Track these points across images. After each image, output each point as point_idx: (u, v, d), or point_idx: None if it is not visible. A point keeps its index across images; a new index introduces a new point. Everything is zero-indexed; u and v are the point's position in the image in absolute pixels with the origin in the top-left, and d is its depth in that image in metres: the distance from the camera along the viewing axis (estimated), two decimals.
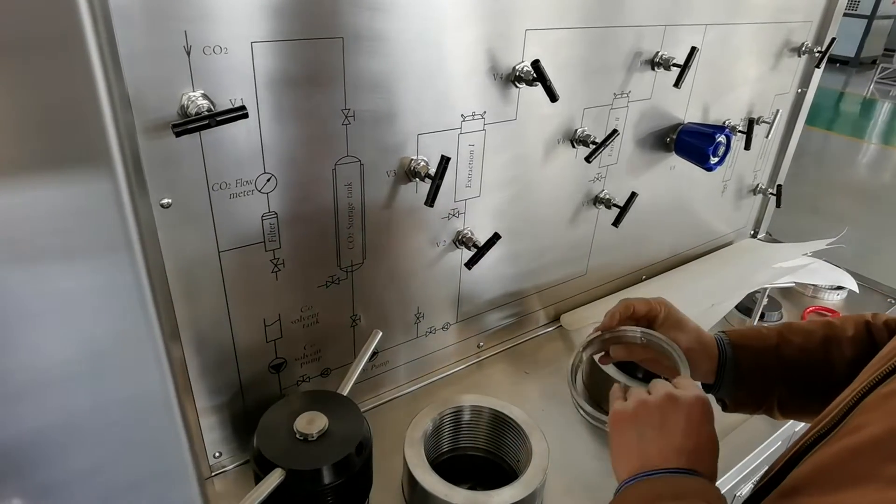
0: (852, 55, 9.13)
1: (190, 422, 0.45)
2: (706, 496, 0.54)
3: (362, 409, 0.80)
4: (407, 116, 0.80)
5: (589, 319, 1.23)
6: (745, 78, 1.31)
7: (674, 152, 1.22)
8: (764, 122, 1.42)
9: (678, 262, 1.46)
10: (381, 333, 0.88)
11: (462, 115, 0.86)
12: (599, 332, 0.83)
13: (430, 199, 0.81)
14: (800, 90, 1.49)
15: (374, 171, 0.80)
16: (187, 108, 0.61)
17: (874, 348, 0.72)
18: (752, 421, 1.02)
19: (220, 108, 0.63)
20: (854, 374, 0.72)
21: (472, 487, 0.79)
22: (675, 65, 1.07)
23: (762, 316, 1.20)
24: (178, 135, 0.59)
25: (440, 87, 0.81)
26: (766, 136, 1.46)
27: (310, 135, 0.73)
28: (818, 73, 1.47)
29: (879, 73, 8.55)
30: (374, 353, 0.90)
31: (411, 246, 0.91)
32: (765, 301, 1.23)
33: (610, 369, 1.00)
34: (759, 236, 1.69)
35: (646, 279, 1.39)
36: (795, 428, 1.04)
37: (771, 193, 1.58)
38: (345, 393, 0.82)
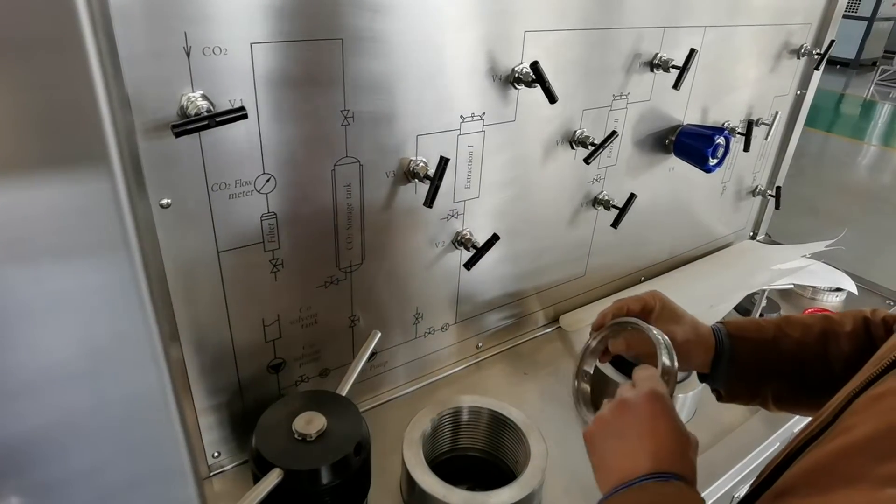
0: (852, 57, 9.13)
1: (188, 421, 0.45)
2: (678, 501, 0.54)
3: (361, 410, 0.81)
4: (406, 117, 0.80)
5: (588, 321, 1.22)
6: (745, 80, 1.32)
7: (673, 154, 1.22)
8: (763, 123, 1.42)
9: (677, 264, 1.46)
10: (379, 334, 0.88)
11: (461, 117, 0.86)
12: (589, 342, 0.83)
13: (430, 200, 0.82)
14: (799, 92, 1.49)
15: (373, 171, 0.80)
16: (187, 108, 0.62)
17: (871, 344, 0.73)
18: (751, 422, 1.02)
19: (219, 109, 0.63)
20: (850, 369, 0.72)
21: (471, 488, 0.79)
22: (674, 66, 1.07)
23: (761, 316, 1.21)
24: (177, 135, 0.60)
25: (439, 89, 0.81)
26: (766, 138, 1.46)
27: (309, 135, 0.73)
28: (817, 74, 1.47)
29: (879, 75, 8.55)
30: (373, 354, 0.90)
31: (410, 246, 0.91)
32: (763, 303, 1.23)
33: (608, 369, 1.00)
34: (758, 238, 1.69)
35: (644, 280, 1.39)
36: (795, 429, 1.04)
37: (770, 195, 1.58)
38: (343, 393, 0.82)
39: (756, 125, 1.37)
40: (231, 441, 0.85)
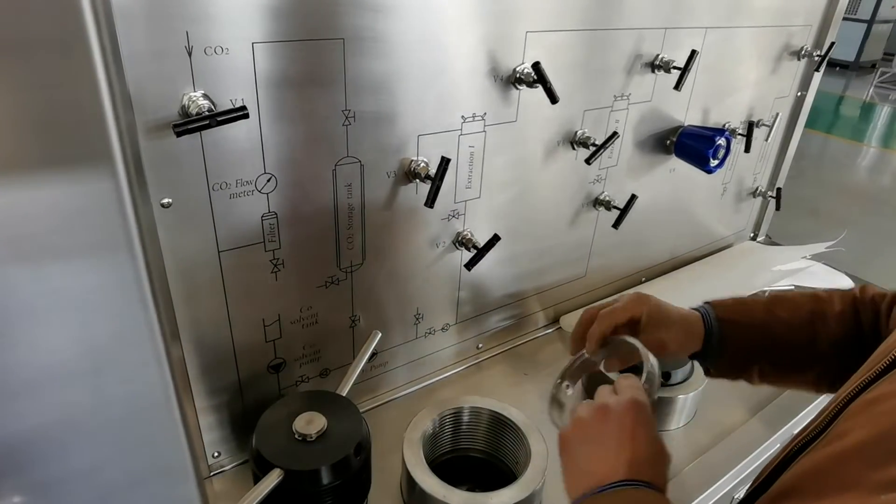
0: (852, 59, 9.14)
1: (189, 421, 0.45)
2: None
3: (361, 410, 0.80)
4: (407, 117, 0.80)
5: None
6: (745, 81, 1.32)
7: (674, 155, 1.22)
8: (764, 125, 1.42)
9: (678, 265, 1.46)
10: (380, 334, 0.88)
11: (462, 117, 0.86)
12: (578, 359, 0.83)
13: (430, 200, 0.82)
14: (799, 93, 1.49)
15: (374, 171, 0.80)
16: (188, 108, 0.62)
17: (859, 326, 0.74)
18: (751, 423, 1.02)
19: (220, 109, 0.63)
20: (838, 349, 0.74)
21: (471, 489, 0.79)
22: (675, 67, 1.07)
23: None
24: (178, 135, 0.60)
25: (441, 89, 0.81)
26: (766, 139, 1.46)
27: (310, 135, 0.73)
28: (818, 76, 1.47)
29: (879, 77, 8.56)
30: (374, 354, 0.90)
31: (411, 247, 0.91)
32: None
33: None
34: (758, 239, 1.69)
35: (645, 281, 1.39)
36: (794, 430, 1.04)
37: (770, 196, 1.58)
38: (344, 393, 0.82)
39: (757, 126, 1.37)
40: (231, 441, 0.85)
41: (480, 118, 0.88)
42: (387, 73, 0.75)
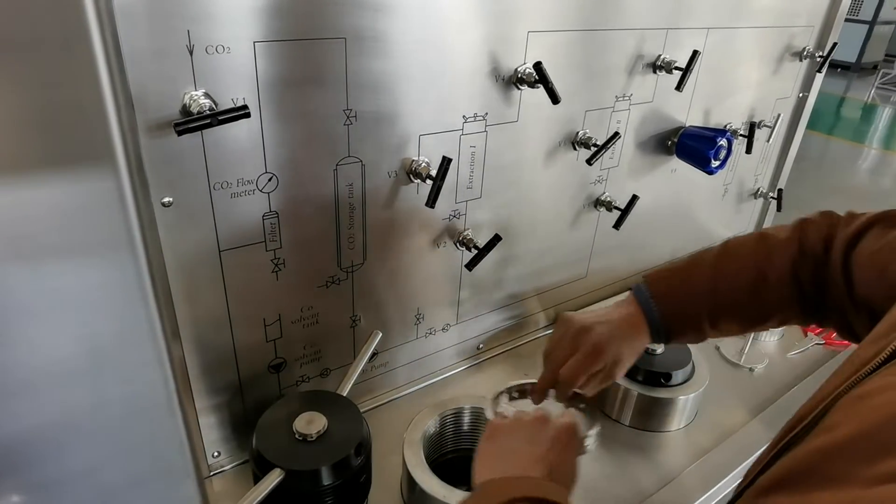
0: (853, 60, 9.13)
1: (189, 421, 0.45)
2: (564, 497, 0.56)
3: (361, 410, 0.80)
4: (409, 117, 0.80)
5: None
6: (747, 82, 1.31)
7: (675, 155, 1.22)
8: (765, 125, 1.42)
9: None
10: (380, 334, 0.88)
11: (464, 117, 0.86)
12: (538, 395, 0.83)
13: (431, 201, 0.81)
14: (801, 95, 1.49)
15: (375, 171, 0.80)
16: (189, 106, 0.61)
17: (800, 287, 0.75)
18: (752, 424, 1.02)
19: (221, 108, 0.63)
20: (795, 290, 0.75)
21: (471, 489, 0.79)
22: (676, 68, 1.07)
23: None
24: (179, 133, 0.59)
25: (442, 89, 0.81)
26: (768, 140, 1.46)
27: (311, 135, 0.73)
28: (819, 77, 1.47)
29: (880, 79, 8.55)
30: (374, 354, 0.90)
31: (412, 247, 0.91)
32: None
33: None
34: None
35: None
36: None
37: (772, 197, 1.58)
38: (344, 393, 0.82)
39: (758, 127, 1.37)
40: (231, 441, 0.85)
41: (482, 118, 0.88)
42: (388, 73, 0.75)
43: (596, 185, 1.13)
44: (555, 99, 0.86)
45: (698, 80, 1.18)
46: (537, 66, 0.85)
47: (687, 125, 1.22)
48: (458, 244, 0.96)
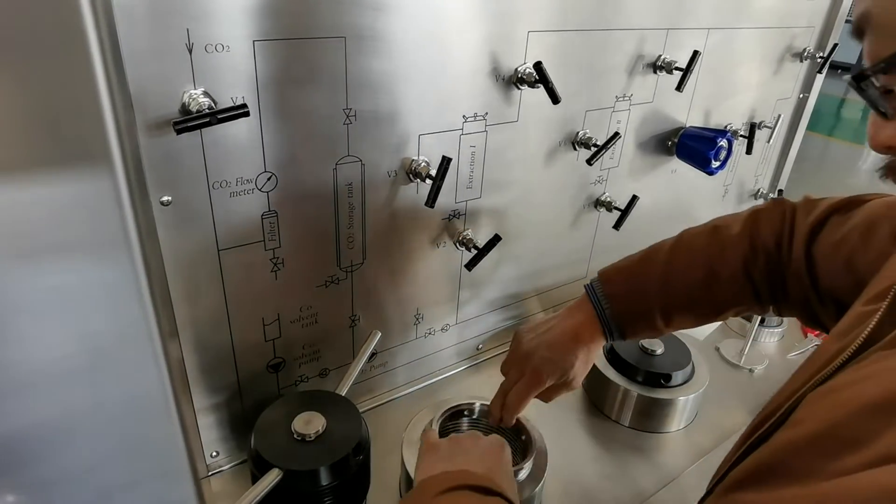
0: (854, 62, 9.14)
1: (187, 421, 0.45)
2: (504, 490, 0.57)
3: (360, 410, 0.80)
4: (408, 117, 0.80)
5: None
6: (747, 82, 1.31)
7: (675, 156, 1.22)
8: (766, 126, 1.42)
9: None
10: (380, 334, 0.88)
11: (464, 116, 0.85)
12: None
13: (431, 200, 0.81)
14: (801, 95, 1.49)
15: (374, 171, 0.80)
16: (188, 105, 0.61)
17: (754, 282, 0.76)
18: None
19: (221, 106, 0.63)
20: (736, 301, 0.76)
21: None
22: (677, 68, 1.07)
23: (762, 320, 1.20)
24: (178, 132, 0.59)
25: (442, 88, 0.81)
26: (768, 141, 1.46)
27: (311, 134, 0.72)
28: (820, 78, 1.47)
29: None
30: (373, 354, 0.89)
31: (411, 247, 0.91)
32: None
33: (610, 373, 1.00)
34: None
35: None
36: None
37: (772, 198, 1.58)
38: (343, 393, 0.82)
39: (759, 128, 1.37)
40: (230, 440, 0.85)
41: (482, 118, 0.87)
42: (388, 72, 0.75)
43: (596, 186, 1.13)
44: (555, 99, 0.86)
45: (699, 81, 1.18)
46: (537, 65, 0.85)
47: (687, 126, 1.22)
48: (457, 244, 0.96)
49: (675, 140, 1.20)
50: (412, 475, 0.77)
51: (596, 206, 1.15)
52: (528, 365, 0.80)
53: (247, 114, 0.62)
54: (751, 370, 1.15)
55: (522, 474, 0.77)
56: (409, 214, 0.87)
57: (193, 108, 0.61)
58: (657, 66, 1.07)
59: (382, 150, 0.79)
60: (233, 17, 0.61)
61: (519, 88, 0.89)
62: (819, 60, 1.41)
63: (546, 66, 0.85)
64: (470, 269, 0.94)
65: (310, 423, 0.74)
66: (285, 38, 0.65)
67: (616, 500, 0.86)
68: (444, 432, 0.84)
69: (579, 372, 0.80)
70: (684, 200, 1.35)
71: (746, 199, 1.55)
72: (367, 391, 0.99)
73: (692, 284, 0.77)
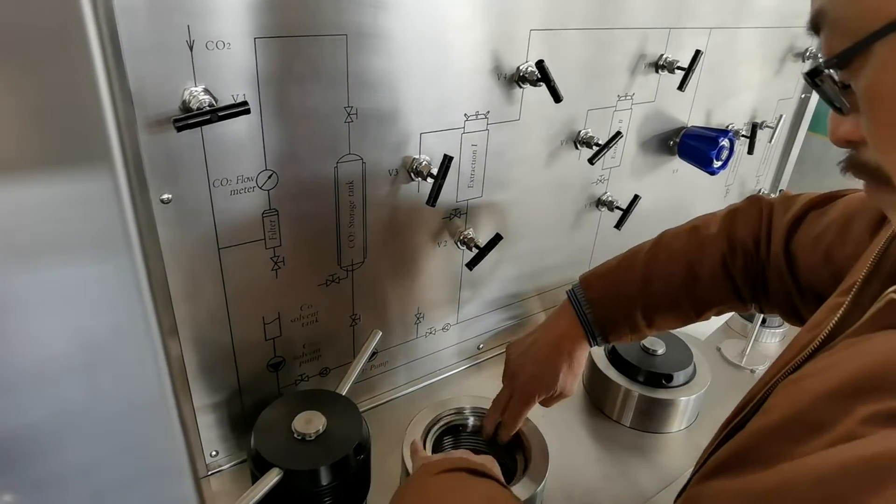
0: None
1: (187, 420, 0.44)
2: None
3: (361, 409, 0.80)
4: (410, 115, 0.79)
5: None
6: (749, 82, 1.31)
7: (677, 156, 1.22)
8: (767, 126, 1.41)
9: None
10: (380, 333, 0.88)
11: (465, 115, 0.85)
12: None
13: (432, 199, 0.81)
14: (803, 96, 1.49)
15: (375, 169, 0.80)
16: (189, 102, 0.61)
17: (734, 282, 0.76)
18: None
19: (221, 104, 0.63)
20: (718, 301, 0.77)
21: None
22: (679, 68, 1.07)
23: (763, 321, 1.20)
24: (179, 130, 0.59)
25: (444, 86, 0.81)
26: (769, 141, 1.45)
27: (312, 132, 0.72)
28: None
29: None
30: (374, 354, 0.89)
31: (412, 246, 0.91)
32: None
33: (611, 373, 1.00)
34: None
35: None
36: None
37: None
38: (343, 393, 0.81)
39: (760, 128, 1.37)
40: (229, 440, 0.85)
41: (483, 116, 0.87)
42: (390, 70, 0.74)
43: (597, 185, 1.12)
44: (557, 98, 0.86)
45: (700, 80, 1.18)
46: (539, 64, 0.84)
47: (689, 125, 1.22)
48: (458, 243, 0.95)
49: (677, 140, 1.20)
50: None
51: (597, 206, 1.15)
52: (516, 383, 0.82)
53: (248, 111, 0.62)
54: (752, 370, 1.15)
55: (517, 490, 0.77)
56: (410, 213, 0.87)
57: (194, 105, 0.61)
58: (659, 66, 1.07)
59: (383, 148, 0.79)
60: (234, 13, 0.61)
61: (521, 87, 0.89)
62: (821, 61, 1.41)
63: (548, 64, 0.84)
64: (471, 269, 0.94)
65: (310, 423, 0.73)
66: (286, 35, 0.65)
67: (617, 501, 0.86)
68: (436, 450, 0.84)
69: (568, 382, 0.81)
70: (686, 200, 1.34)
71: None
72: (368, 390, 0.99)
73: (673, 285, 0.77)
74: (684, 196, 1.33)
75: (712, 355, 1.18)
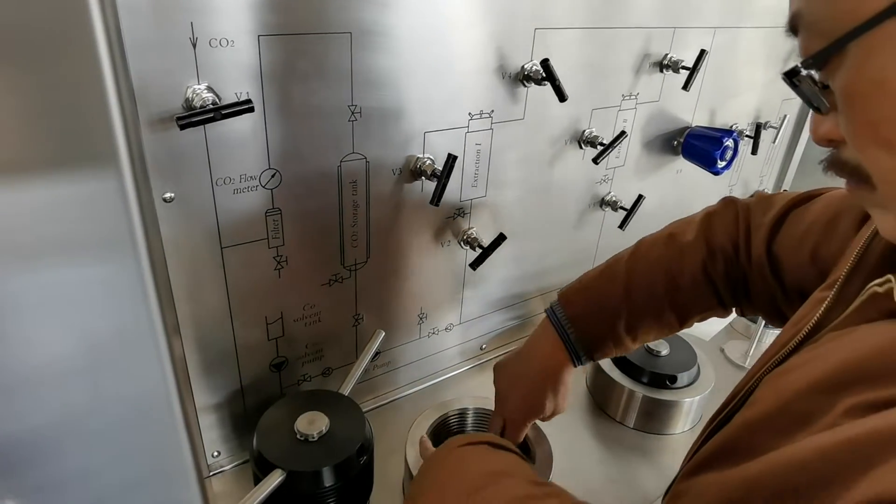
0: None
1: (190, 421, 0.44)
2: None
3: (364, 410, 0.79)
4: (414, 114, 0.79)
5: None
6: (753, 82, 1.30)
7: (681, 155, 1.21)
8: (771, 127, 1.41)
9: None
10: (383, 333, 0.87)
11: (469, 114, 0.85)
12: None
13: (436, 199, 0.80)
14: None
15: (379, 168, 0.79)
16: (192, 101, 0.60)
17: (715, 287, 0.75)
18: None
19: (225, 102, 0.62)
20: (700, 308, 0.76)
21: None
22: (684, 67, 1.06)
23: (766, 323, 1.20)
24: (182, 128, 0.58)
25: (448, 85, 0.80)
26: (773, 142, 1.45)
27: (315, 130, 0.71)
28: None
29: None
30: (377, 354, 0.88)
31: (416, 245, 0.90)
32: None
33: (615, 374, 1.00)
34: None
35: None
36: None
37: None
38: (346, 393, 0.81)
39: (764, 128, 1.36)
40: (231, 440, 0.84)
41: (488, 115, 0.87)
42: (394, 69, 0.74)
43: (601, 185, 1.12)
44: (562, 97, 0.85)
45: (704, 80, 1.17)
46: (544, 63, 0.84)
47: (693, 125, 1.21)
48: (462, 243, 0.95)
49: (681, 140, 1.20)
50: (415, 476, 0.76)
51: (601, 206, 1.14)
52: (506, 412, 0.81)
53: (251, 109, 0.62)
54: None
55: None
56: (413, 213, 0.86)
57: (197, 103, 0.60)
58: (663, 65, 1.06)
59: (387, 147, 0.78)
60: (237, 11, 0.60)
61: (525, 86, 0.88)
62: None
63: (553, 63, 0.84)
64: (475, 269, 0.94)
65: (313, 424, 0.73)
66: (290, 32, 0.64)
67: (620, 502, 0.86)
68: None
69: (558, 404, 0.80)
70: (689, 200, 1.34)
71: None
72: (370, 391, 0.98)
73: (655, 296, 0.76)
74: (688, 196, 1.32)
75: (716, 356, 1.17)
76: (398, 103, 0.76)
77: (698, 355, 1.03)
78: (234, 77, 0.63)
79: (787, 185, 1.60)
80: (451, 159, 0.80)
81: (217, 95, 0.62)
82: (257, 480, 0.69)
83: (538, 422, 0.83)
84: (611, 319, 0.77)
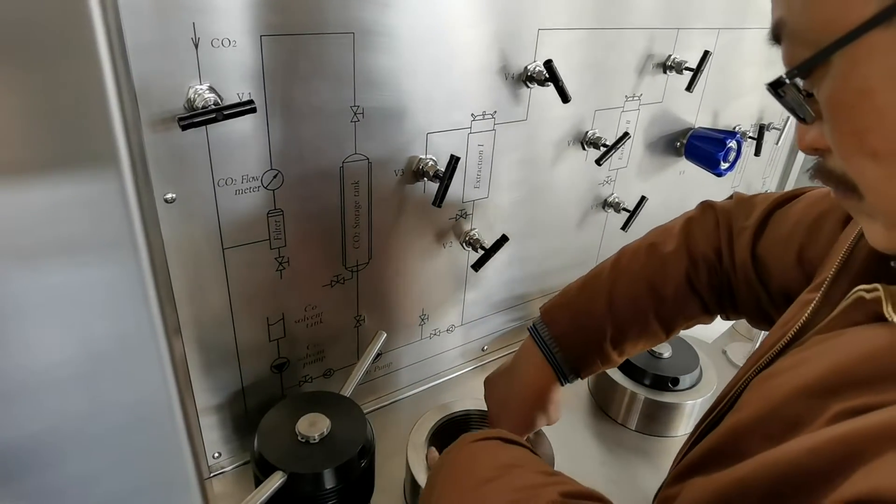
0: None
1: (192, 424, 0.44)
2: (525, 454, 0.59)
3: (365, 411, 0.79)
4: (416, 114, 0.78)
5: None
6: (756, 83, 1.30)
7: (684, 157, 1.21)
8: (774, 128, 1.40)
9: None
10: (385, 335, 0.87)
11: (472, 115, 0.84)
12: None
13: (438, 200, 0.80)
14: None
15: (381, 169, 0.79)
16: (194, 101, 0.60)
17: (700, 295, 0.75)
18: None
19: (227, 102, 0.62)
20: (685, 316, 0.76)
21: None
22: (687, 68, 1.06)
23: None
24: (184, 128, 0.58)
25: (450, 86, 0.80)
26: (776, 143, 1.44)
27: (318, 131, 0.71)
28: None
29: None
30: (378, 355, 0.88)
31: (418, 246, 0.90)
32: None
33: (617, 376, 0.99)
34: None
35: None
36: None
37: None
38: (348, 394, 0.80)
39: (767, 130, 1.36)
40: (232, 441, 0.84)
41: (490, 116, 0.86)
42: (396, 69, 0.73)
43: (604, 186, 1.12)
44: (565, 98, 0.85)
45: (708, 81, 1.17)
46: (548, 63, 0.83)
47: (696, 126, 1.21)
48: (464, 244, 0.95)
49: (684, 141, 1.19)
50: (417, 478, 0.76)
51: (604, 207, 1.14)
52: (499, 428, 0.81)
53: (253, 110, 0.61)
54: None
55: None
56: (415, 214, 0.86)
57: (199, 104, 0.60)
58: (667, 66, 1.06)
59: (390, 148, 0.78)
60: (240, 11, 0.60)
61: (528, 87, 0.88)
62: None
63: (556, 64, 0.84)
64: (477, 270, 0.93)
65: (314, 425, 0.72)
66: (293, 33, 0.64)
67: None
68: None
69: (551, 417, 0.79)
70: (692, 202, 1.33)
71: None
72: (372, 392, 0.98)
73: (640, 310, 0.75)
74: (691, 197, 1.32)
75: (718, 359, 1.17)
76: (400, 104, 0.76)
77: (700, 357, 1.02)
78: (236, 77, 0.63)
79: (789, 187, 1.60)
80: (453, 160, 0.79)
81: (219, 96, 0.61)
82: (258, 482, 0.68)
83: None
84: (596, 336, 0.76)
